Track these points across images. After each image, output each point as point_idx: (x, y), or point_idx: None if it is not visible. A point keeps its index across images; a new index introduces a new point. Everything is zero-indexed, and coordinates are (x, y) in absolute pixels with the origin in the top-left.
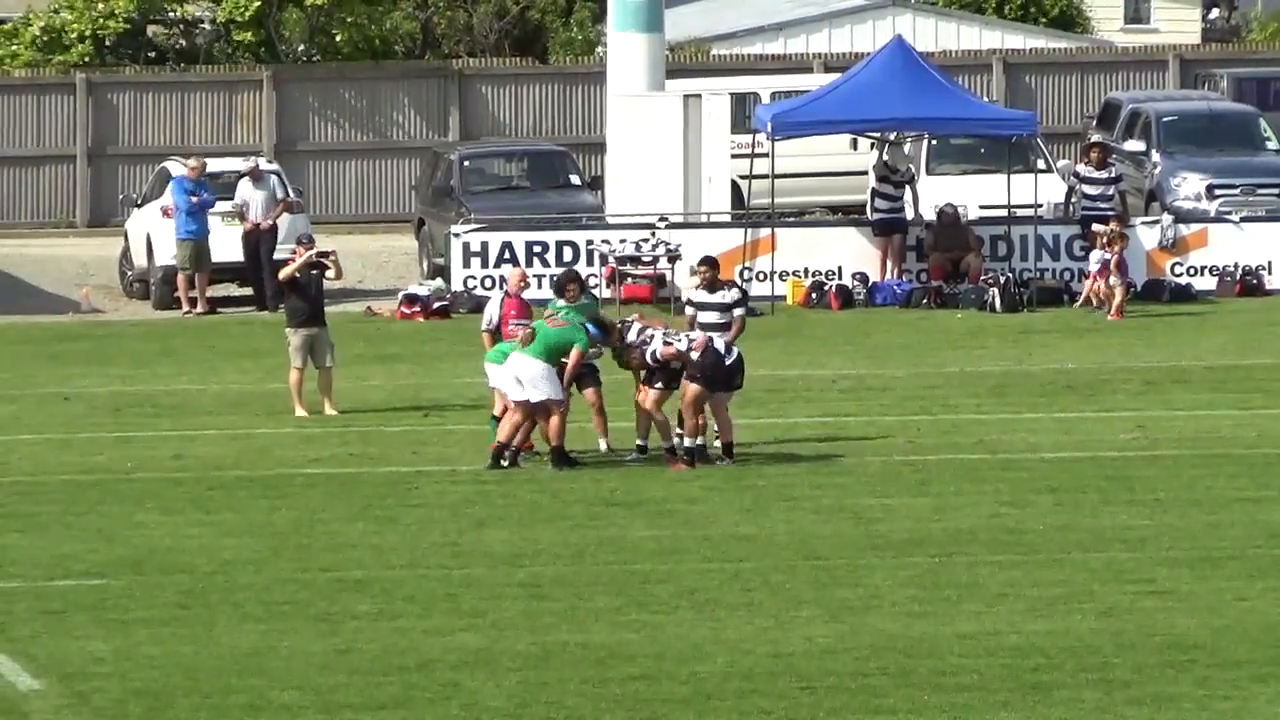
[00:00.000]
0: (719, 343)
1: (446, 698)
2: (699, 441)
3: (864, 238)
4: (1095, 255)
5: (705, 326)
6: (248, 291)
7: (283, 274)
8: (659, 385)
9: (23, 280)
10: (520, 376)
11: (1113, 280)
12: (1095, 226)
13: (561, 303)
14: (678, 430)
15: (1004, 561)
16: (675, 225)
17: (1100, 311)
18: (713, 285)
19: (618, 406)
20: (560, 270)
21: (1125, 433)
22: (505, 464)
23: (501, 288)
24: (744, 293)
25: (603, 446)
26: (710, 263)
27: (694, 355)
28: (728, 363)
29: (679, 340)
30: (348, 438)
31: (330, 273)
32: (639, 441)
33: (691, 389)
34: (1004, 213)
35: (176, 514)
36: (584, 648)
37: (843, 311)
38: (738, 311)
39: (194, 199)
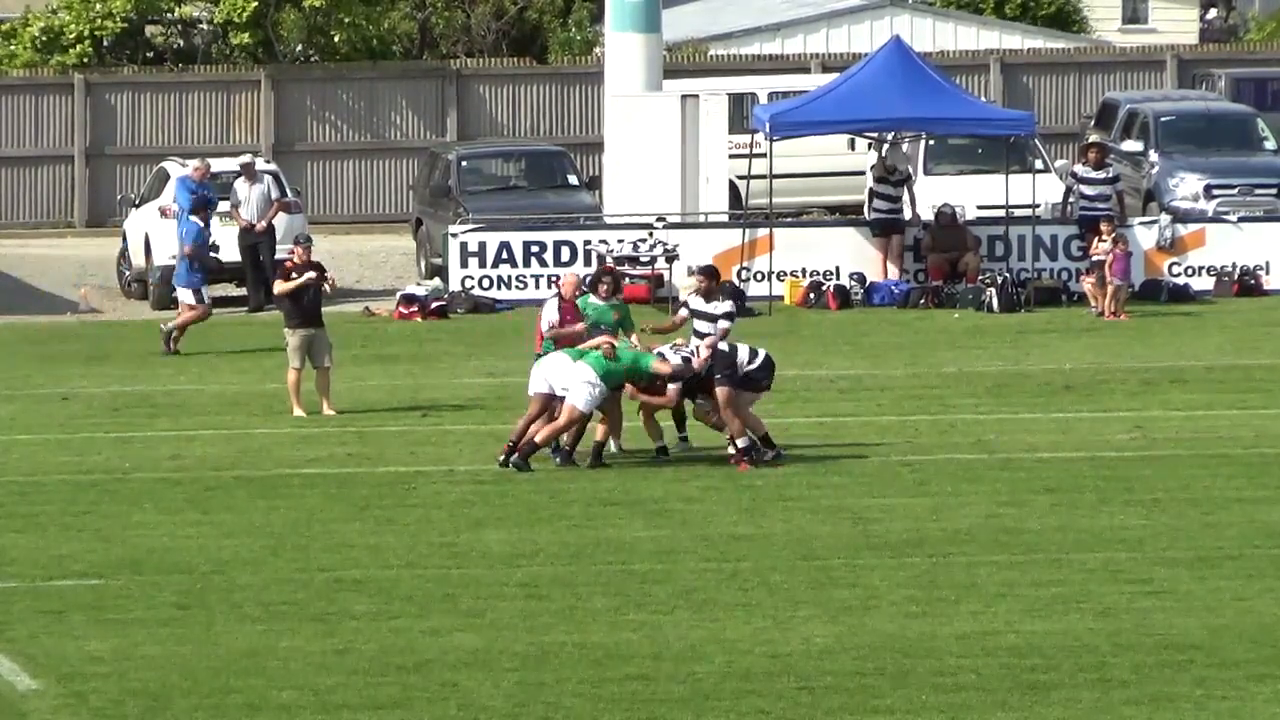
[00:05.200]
0: (724, 346)
1: (444, 698)
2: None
3: (862, 238)
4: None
5: (698, 334)
6: (245, 291)
7: (278, 290)
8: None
9: (21, 280)
10: (558, 375)
11: (1115, 281)
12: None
13: (594, 300)
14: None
15: (1002, 561)
16: (673, 225)
17: (1094, 310)
18: (709, 295)
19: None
20: (592, 269)
21: (1123, 433)
22: (509, 462)
23: (552, 287)
24: (735, 305)
25: (613, 447)
26: (709, 273)
27: (695, 362)
28: (755, 365)
29: (674, 355)
30: (345, 438)
31: (325, 287)
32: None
33: (721, 392)
34: (1002, 213)
35: (174, 514)
36: (582, 648)
37: (840, 312)
38: (723, 324)
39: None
